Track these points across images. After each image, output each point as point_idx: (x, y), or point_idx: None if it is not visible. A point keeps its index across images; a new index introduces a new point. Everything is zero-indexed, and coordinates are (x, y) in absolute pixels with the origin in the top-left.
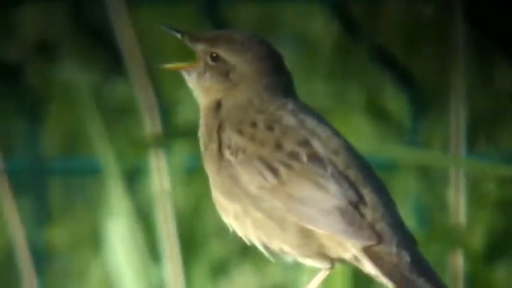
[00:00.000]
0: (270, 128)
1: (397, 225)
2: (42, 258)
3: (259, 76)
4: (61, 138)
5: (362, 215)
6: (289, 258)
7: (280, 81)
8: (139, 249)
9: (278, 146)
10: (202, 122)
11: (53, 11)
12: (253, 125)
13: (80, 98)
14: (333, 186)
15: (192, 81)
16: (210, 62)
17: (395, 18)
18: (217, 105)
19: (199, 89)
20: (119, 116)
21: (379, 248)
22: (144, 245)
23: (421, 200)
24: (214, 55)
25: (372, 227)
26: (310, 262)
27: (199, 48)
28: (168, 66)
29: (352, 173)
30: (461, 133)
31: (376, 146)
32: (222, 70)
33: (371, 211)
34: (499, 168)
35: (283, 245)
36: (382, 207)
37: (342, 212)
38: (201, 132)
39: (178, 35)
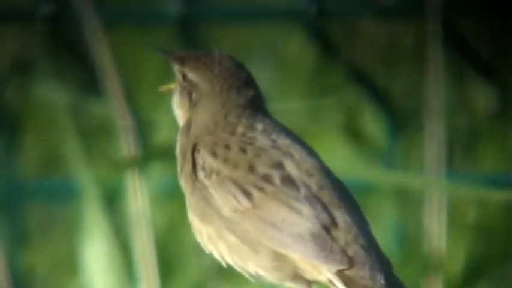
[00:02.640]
0: (243, 151)
1: (371, 247)
2: (19, 281)
3: (220, 94)
4: (38, 159)
5: (334, 239)
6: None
7: (247, 98)
8: (116, 271)
9: (251, 169)
10: (178, 142)
11: (31, 30)
12: (227, 147)
13: (57, 118)
14: (305, 209)
15: (173, 101)
16: (182, 81)
17: (373, 39)
18: (189, 125)
19: (175, 109)
20: (95, 137)
21: (353, 272)
22: (122, 267)
23: (398, 223)
24: (184, 75)
25: (343, 251)
26: (287, 284)
27: (175, 68)
28: (162, 88)
29: (326, 195)
30: (439, 154)
31: (352, 167)
32: (188, 89)
33: (344, 234)
34: (478, 191)
35: (257, 269)
36: (356, 229)
37: (314, 236)
38: (178, 152)
39: (164, 56)
